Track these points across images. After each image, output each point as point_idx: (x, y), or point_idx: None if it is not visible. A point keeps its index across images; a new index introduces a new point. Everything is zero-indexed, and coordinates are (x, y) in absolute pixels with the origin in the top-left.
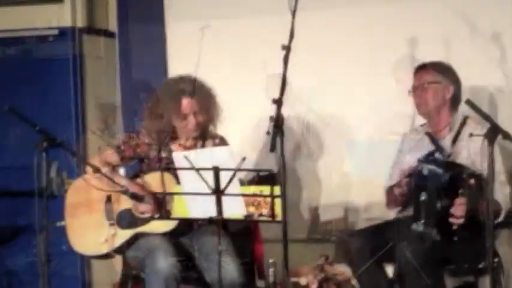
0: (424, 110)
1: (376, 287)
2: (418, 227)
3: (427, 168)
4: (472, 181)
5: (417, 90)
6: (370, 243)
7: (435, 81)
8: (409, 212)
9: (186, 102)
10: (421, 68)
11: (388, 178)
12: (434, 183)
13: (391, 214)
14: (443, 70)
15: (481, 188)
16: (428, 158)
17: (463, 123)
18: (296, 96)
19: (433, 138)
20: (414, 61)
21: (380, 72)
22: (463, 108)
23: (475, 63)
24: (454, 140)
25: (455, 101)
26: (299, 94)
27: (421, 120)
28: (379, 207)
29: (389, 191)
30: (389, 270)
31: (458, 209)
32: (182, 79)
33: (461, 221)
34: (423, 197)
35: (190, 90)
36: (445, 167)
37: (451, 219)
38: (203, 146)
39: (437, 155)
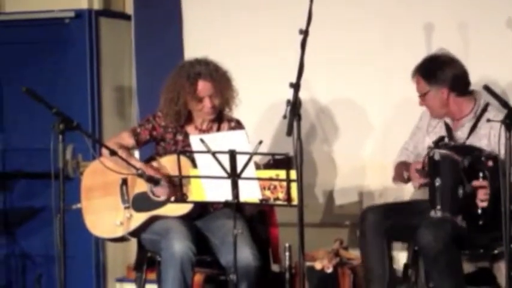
0: (433, 114)
1: (382, 262)
2: (436, 213)
3: (438, 153)
4: (491, 163)
5: (419, 98)
6: (386, 221)
7: (425, 92)
8: (425, 195)
9: (202, 85)
10: (413, 76)
11: (399, 153)
12: (449, 169)
13: (406, 198)
14: (430, 74)
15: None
16: (438, 144)
17: (484, 110)
18: (311, 78)
19: (448, 127)
20: (430, 46)
21: (396, 56)
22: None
23: (490, 49)
24: (473, 127)
25: (460, 92)
26: (314, 77)
27: None
28: (395, 192)
29: (398, 166)
30: (403, 256)
31: (481, 192)
32: (198, 62)
33: (485, 204)
34: (437, 183)
35: (206, 73)
36: (456, 150)
37: (477, 202)
38: (219, 129)
39: (446, 140)
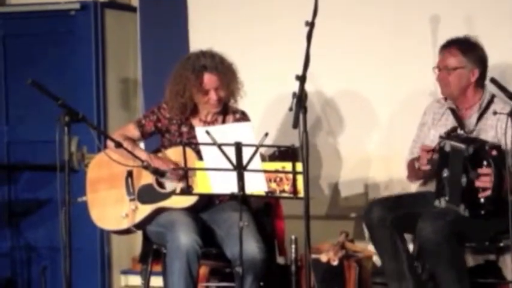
0: (446, 92)
1: (395, 258)
2: (441, 203)
3: (449, 145)
4: (495, 152)
5: (441, 71)
6: (391, 213)
7: (460, 66)
8: (430, 187)
9: (207, 78)
10: (447, 48)
11: (409, 152)
12: (457, 159)
13: (412, 190)
14: (469, 51)
15: (503, 159)
16: (451, 135)
17: (490, 101)
18: (316, 71)
19: (456, 115)
20: (436, 38)
21: (402, 48)
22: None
23: (496, 41)
24: (479, 118)
25: (481, 80)
26: (319, 69)
27: None
28: (400, 184)
29: (411, 163)
30: (410, 247)
31: (484, 180)
32: (204, 54)
33: (488, 192)
34: (445, 173)
35: (211, 66)
36: (467, 143)
37: (479, 193)
38: (224, 120)
39: (459, 131)
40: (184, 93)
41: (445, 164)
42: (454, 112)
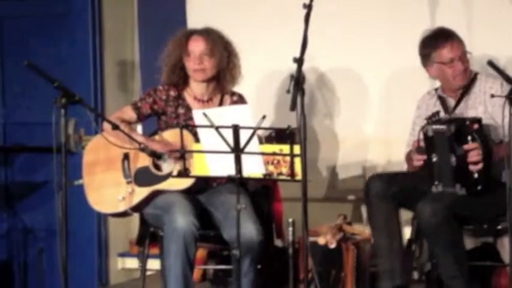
0: (462, 79)
1: (387, 234)
2: (438, 188)
3: (431, 129)
4: (476, 126)
5: (456, 61)
6: (391, 187)
7: (467, 50)
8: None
9: (193, 40)
10: (451, 38)
11: (406, 145)
12: (441, 142)
13: None
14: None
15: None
16: (432, 119)
17: (473, 79)
18: (313, 52)
19: (444, 101)
20: (434, 19)
21: (400, 30)
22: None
23: (494, 25)
24: (462, 97)
25: None
26: (316, 50)
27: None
28: (398, 166)
29: (408, 156)
30: (407, 230)
31: (473, 154)
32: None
33: (480, 166)
34: (435, 158)
35: (201, 31)
36: (448, 123)
37: (470, 167)
38: (221, 102)
39: (441, 114)
40: (173, 54)
41: (432, 149)
42: (442, 99)
